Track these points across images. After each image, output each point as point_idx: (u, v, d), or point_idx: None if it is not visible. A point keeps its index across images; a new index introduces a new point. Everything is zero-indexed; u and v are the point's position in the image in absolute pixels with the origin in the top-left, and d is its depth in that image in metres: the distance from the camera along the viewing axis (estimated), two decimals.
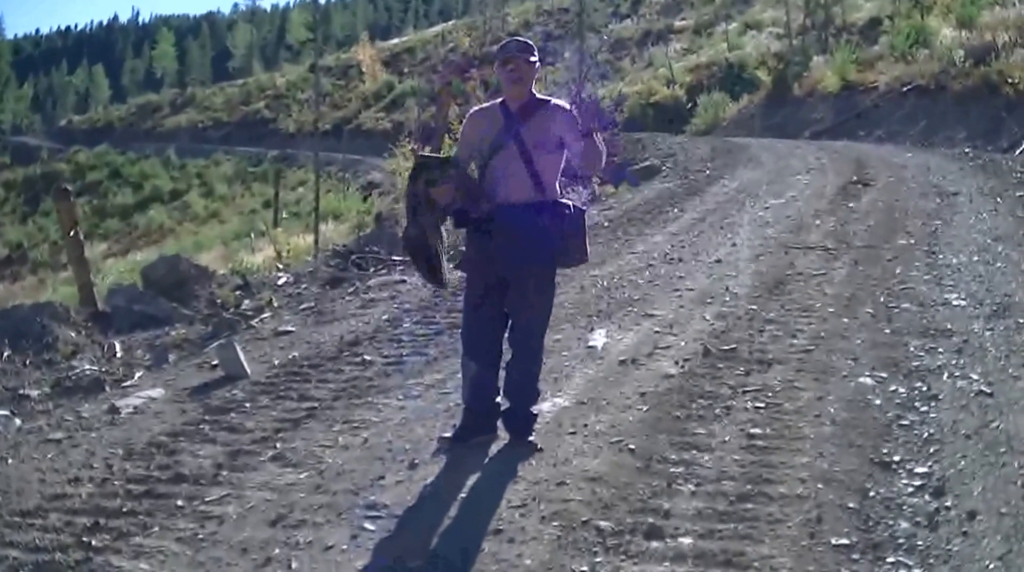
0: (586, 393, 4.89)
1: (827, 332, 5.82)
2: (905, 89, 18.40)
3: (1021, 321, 5.80)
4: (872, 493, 3.68)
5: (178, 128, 59.53)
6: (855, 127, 18.86)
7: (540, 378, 4.36)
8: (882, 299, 6.53)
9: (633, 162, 16.78)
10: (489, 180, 4.14)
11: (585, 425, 4.44)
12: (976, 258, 7.57)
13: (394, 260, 8.89)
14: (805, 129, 20.37)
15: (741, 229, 9.55)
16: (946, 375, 4.95)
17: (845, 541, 3.32)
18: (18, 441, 4.70)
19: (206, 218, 33.34)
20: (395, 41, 67.28)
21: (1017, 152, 13.74)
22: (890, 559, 3.22)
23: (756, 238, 9.02)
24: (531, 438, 4.23)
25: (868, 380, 4.92)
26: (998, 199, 10.18)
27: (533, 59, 4.13)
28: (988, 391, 4.69)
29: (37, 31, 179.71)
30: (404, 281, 8.10)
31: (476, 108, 4.53)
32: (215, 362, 5.83)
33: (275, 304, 7.73)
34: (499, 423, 4.32)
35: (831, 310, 6.33)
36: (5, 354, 6.42)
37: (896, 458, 3.97)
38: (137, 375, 5.96)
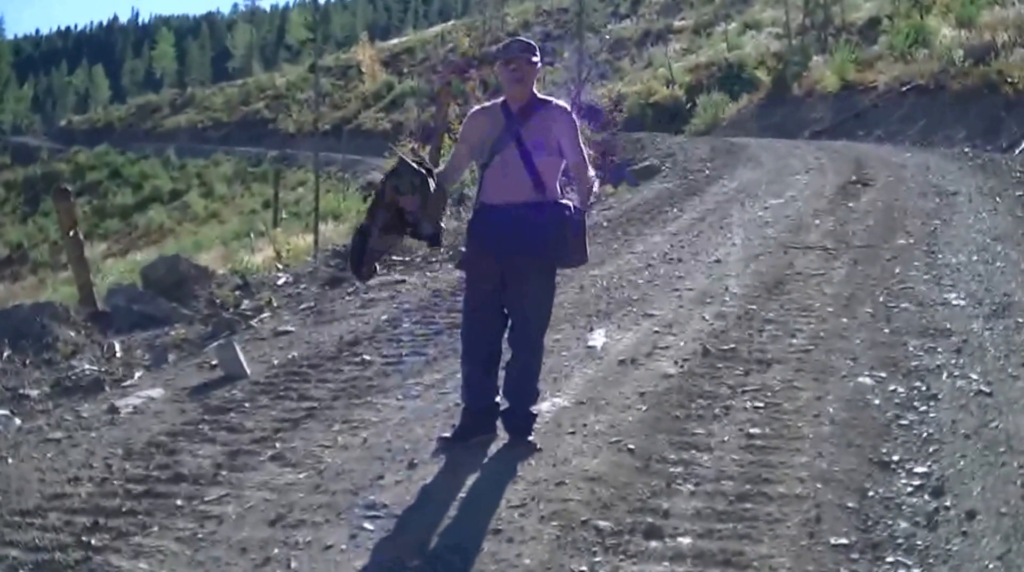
0: (585, 393, 4.89)
1: (826, 332, 5.83)
2: (904, 89, 18.40)
3: (1020, 321, 5.80)
4: (871, 493, 3.68)
5: (178, 128, 59.52)
6: (854, 127, 18.86)
7: (539, 378, 4.36)
8: (881, 299, 6.53)
9: (632, 162, 16.80)
10: (489, 180, 4.15)
11: (584, 425, 4.44)
12: (975, 257, 7.57)
13: (394, 260, 8.89)
14: (804, 129, 20.38)
15: (740, 229, 9.55)
16: (945, 375, 4.96)
17: (844, 541, 3.33)
18: (18, 441, 4.70)
19: (206, 218, 33.32)
20: (395, 41, 67.26)
21: (1016, 151, 13.74)
22: (889, 559, 3.22)
23: (755, 238, 9.03)
24: (530, 438, 4.23)
25: (867, 380, 4.92)
26: (997, 198, 10.19)
27: (535, 59, 4.14)
28: (987, 391, 4.69)
29: (37, 31, 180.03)
30: (404, 281, 8.10)
31: (477, 107, 4.53)
32: (214, 362, 5.83)
33: (275, 304, 7.73)
34: (498, 423, 4.32)
35: (830, 310, 6.33)
36: (5, 354, 6.43)
37: (895, 458, 3.98)
38: (137, 375, 5.96)
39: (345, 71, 55.75)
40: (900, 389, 4.78)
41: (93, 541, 3.51)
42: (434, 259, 8.79)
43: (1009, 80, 15.53)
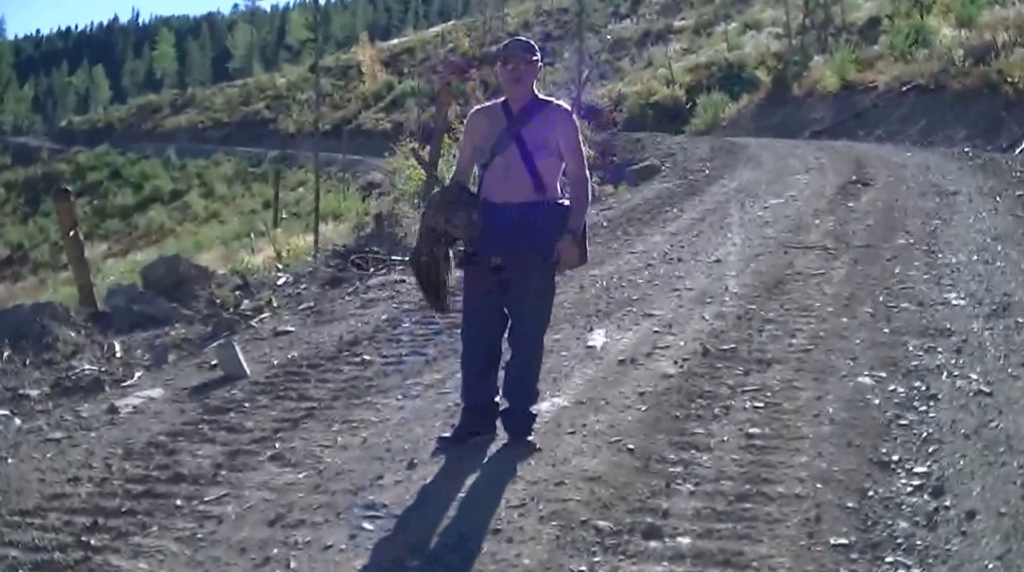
0: (585, 393, 4.89)
1: (826, 332, 5.82)
2: (904, 88, 18.41)
3: (1020, 321, 5.80)
4: (871, 493, 3.68)
5: (178, 128, 59.55)
6: (854, 126, 18.87)
7: (539, 378, 4.35)
8: (881, 298, 6.53)
9: (632, 162, 16.82)
10: (490, 180, 4.15)
11: (584, 425, 4.44)
12: (975, 257, 7.57)
13: (393, 260, 8.89)
14: (804, 129, 20.38)
15: (740, 229, 9.55)
16: (945, 374, 4.95)
17: (844, 541, 3.32)
18: (18, 441, 4.70)
19: (206, 218, 33.36)
20: (395, 41, 67.24)
21: (1016, 151, 13.73)
22: (889, 559, 3.21)
23: (755, 238, 9.02)
24: (530, 438, 4.22)
25: (867, 380, 4.92)
26: (997, 198, 10.18)
27: (534, 59, 4.14)
28: (987, 390, 4.68)
29: (37, 32, 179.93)
30: (403, 281, 8.10)
31: (478, 107, 4.52)
32: (214, 362, 5.83)
33: (274, 304, 7.74)
34: (498, 423, 4.32)
35: (830, 310, 6.33)
36: (5, 354, 6.43)
37: (895, 458, 3.97)
38: (136, 375, 5.96)
39: (345, 71, 55.76)
40: (900, 389, 4.78)
41: (93, 541, 3.51)
42: None
43: (1009, 80, 15.53)
